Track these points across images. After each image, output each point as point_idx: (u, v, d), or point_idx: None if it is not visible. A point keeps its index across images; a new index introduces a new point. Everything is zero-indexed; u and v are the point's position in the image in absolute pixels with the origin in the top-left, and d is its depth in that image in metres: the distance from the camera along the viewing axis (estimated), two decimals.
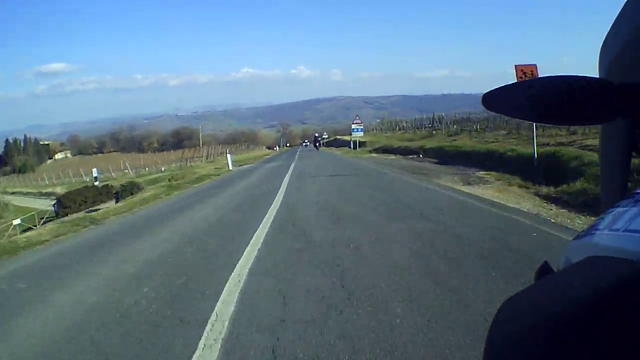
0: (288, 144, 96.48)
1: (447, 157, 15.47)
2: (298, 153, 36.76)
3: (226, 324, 2.88)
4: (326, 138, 63.50)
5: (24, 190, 55.12)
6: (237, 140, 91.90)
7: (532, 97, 0.48)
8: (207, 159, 46.78)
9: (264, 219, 6.58)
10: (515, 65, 9.13)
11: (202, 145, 47.45)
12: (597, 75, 0.59)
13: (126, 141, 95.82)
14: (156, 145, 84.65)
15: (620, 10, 0.53)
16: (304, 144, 70.12)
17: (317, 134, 56.91)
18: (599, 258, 0.41)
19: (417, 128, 36.29)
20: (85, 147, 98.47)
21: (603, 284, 0.35)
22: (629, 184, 0.56)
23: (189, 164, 37.96)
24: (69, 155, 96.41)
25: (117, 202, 17.36)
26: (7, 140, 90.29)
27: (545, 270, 0.54)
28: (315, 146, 46.32)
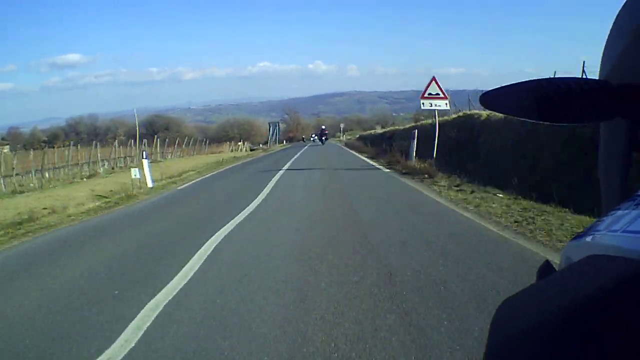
0: (287, 140, 78.44)
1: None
2: (291, 163, 20.81)
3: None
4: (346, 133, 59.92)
5: None
6: (229, 133, 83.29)
7: (532, 97, 0.48)
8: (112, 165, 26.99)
9: None
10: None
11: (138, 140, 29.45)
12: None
13: (87, 133, 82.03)
14: (122, 137, 75.54)
15: (619, 10, 0.53)
16: (313, 138, 59.43)
17: (323, 127, 52.67)
18: (599, 257, 0.41)
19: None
20: (32, 141, 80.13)
21: (604, 283, 0.35)
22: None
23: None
24: (6, 150, 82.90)
25: None
26: None
27: (546, 269, 0.53)
28: (321, 140, 44.57)
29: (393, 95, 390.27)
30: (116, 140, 39.96)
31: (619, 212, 0.47)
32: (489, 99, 0.52)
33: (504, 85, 0.51)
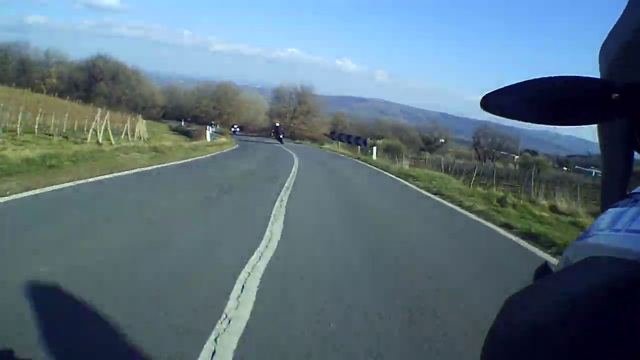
0: (235, 128, 55.44)
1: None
2: None
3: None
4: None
5: None
6: (202, 105, 69.30)
7: (532, 98, 0.48)
8: None
9: None
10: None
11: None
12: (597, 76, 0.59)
13: (15, 72, 62.81)
14: (54, 82, 61.60)
15: (623, 10, 0.53)
16: (233, 130, 51.85)
17: (277, 124, 45.44)
18: (598, 258, 0.41)
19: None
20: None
21: (603, 284, 0.36)
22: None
23: None
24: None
25: None
26: None
27: (544, 270, 0.55)
28: (279, 139, 39.98)
29: (415, 112, 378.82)
30: None
31: (618, 210, 0.47)
32: (489, 101, 0.50)
33: (503, 86, 0.49)
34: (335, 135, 44.42)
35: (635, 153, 0.53)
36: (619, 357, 0.30)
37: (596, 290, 0.35)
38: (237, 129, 52.91)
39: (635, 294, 0.32)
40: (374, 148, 33.14)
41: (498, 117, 0.51)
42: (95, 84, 64.35)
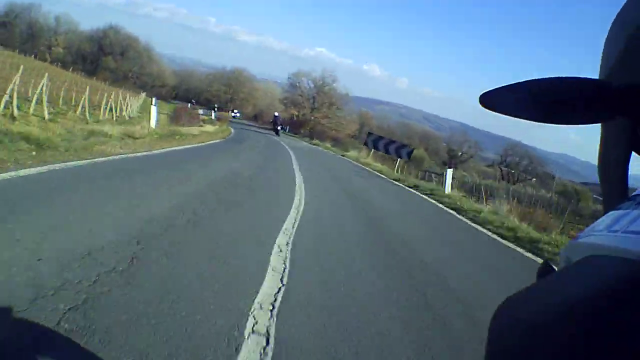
0: (235, 113, 54.62)
1: None
2: None
3: None
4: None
5: None
6: (213, 89, 64.05)
7: (531, 97, 0.48)
8: None
9: None
10: None
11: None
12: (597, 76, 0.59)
13: (22, 37, 58.25)
14: (60, 51, 57.04)
15: (620, 10, 0.53)
16: (234, 115, 50.57)
17: (276, 114, 40.99)
18: (599, 257, 0.41)
19: None
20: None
21: (603, 283, 0.36)
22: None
23: None
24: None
25: None
26: None
27: (546, 269, 0.55)
28: (276, 130, 36.96)
29: (437, 120, 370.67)
30: None
31: (619, 212, 0.47)
32: (488, 99, 0.50)
33: (503, 85, 0.49)
34: (372, 139, 28.79)
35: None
36: (619, 356, 0.30)
37: (596, 289, 0.35)
38: (237, 114, 51.02)
39: (635, 293, 0.32)
40: (449, 174, 16.34)
41: (499, 114, 0.52)
42: (103, 57, 60.05)
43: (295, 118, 52.80)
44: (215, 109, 46.74)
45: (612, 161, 0.56)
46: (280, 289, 3.45)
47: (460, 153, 62.47)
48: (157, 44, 72.94)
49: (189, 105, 46.94)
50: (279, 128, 36.77)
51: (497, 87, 0.49)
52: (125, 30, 64.35)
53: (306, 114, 52.00)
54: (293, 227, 5.62)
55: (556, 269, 0.54)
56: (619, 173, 0.54)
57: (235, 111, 53.10)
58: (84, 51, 60.44)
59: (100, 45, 60.64)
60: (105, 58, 59.82)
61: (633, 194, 0.51)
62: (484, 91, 0.50)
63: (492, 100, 0.50)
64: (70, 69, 50.53)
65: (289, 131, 47.21)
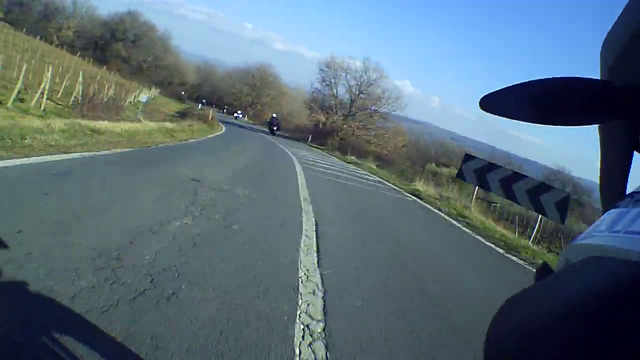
0: (238, 114, 50.57)
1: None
2: None
3: None
4: None
5: None
6: (237, 92, 57.25)
7: (532, 99, 0.48)
8: None
9: None
10: None
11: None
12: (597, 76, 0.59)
13: (36, 17, 52.98)
14: (70, 34, 51.25)
15: (621, 11, 0.53)
16: (236, 116, 47.88)
17: (274, 115, 38.62)
18: (598, 258, 0.41)
19: None
20: None
21: (603, 285, 0.36)
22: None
23: None
24: None
25: None
26: None
27: (544, 270, 0.54)
28: (272, 131, 34.72)
29: (465, 141, 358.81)
30: None
31: (619, 211, 0.47)
32: (488, 101, 0.50)
33: (503, 87, 0.49)
34: (475, 168, 12.70)
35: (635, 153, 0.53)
36: (620, 356, 0.30)
37: (597, 290, 0.35)
38: (240, 115, 48.99)
39: (635, 294, 0.32)
40: None
41: (500, 117, 0.52)
42: (114, 43, 54.01)
43: (321, 125, 41.01)
44: (225, 110, 47.03)
45: (612, 162, 0.56)
46: None
47: None
48: (187, 43, 67.29)
49: (199, 106, 40.91)
50: (274, 129, 35.33)
51: (496, 89, 0.48)
52: (145, 18, 58.36)
53: (337, 121, 40.77)
54: None
55: (553, 270, 0.53)
56: (618, 173, 0.53)
57: (239, 112, 50.07)
58: (95, 36, 54.61)
59: (112, 30, 54.59)
60: (115, 44, 53.72)
61: (632, 191, 0.50)
62: (484, 94, 0.49)
63: (492, 103, 0.49)
64: (78, 54, 45.14)
65: (310, 141, 37.69)
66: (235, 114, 49.40)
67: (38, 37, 46.75)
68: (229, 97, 59.93)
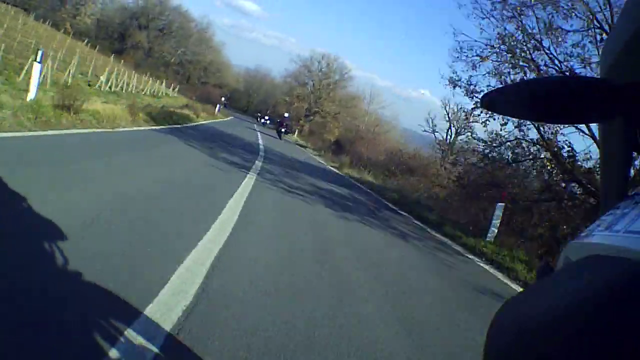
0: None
1: None
2: None
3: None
4: None
5: None
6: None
7: (532, 97, 0.48)
8: None
9: None
10: None
11: None
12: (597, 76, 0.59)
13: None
14: (87, 21, 39.89)
15: (621, 10, 0.53)
16: (263, 121, 42.10)
17: (286, 114, 33.12)
18: (598, 257, 0.41)
19: None
20: None
21: (603, 284, 0.36)
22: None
23: None
24: None
25: None
26: None
27: (545, 269, 0.55)
28: (279, 133, 30.28)
29: None
30: None
31: (619, 211, 0.46)
32: (488, 100, 0.49)
33: (503, 85, 0.55)
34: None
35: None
36: (620, 356, 0.30)
37: (597, 289, 0.35)
38: (267, 121, 41.78)
39: (635, 293, 0.32)
40: None
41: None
42: (137, 32, 42.01)
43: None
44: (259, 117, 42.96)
45: (612, 161, 0.55)
46: None
47: None
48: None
49: (223, 99, 38.06)
50: (283, 130, 31.96)
51: (495, 88, 0.46)
52: (178, 3, 46.06)
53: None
54: None
55: (554, 269, 0.53)
56: (619, 173, 0.53)
57: (266, 117, 41.61)
58: (115, 23, 42.86)
59: (133, 16, 42.55)
60: (137, 33, 41.55)
61: (632, 192, 0.50)
62: (484, 92, 0.48)
63: (493, 101, 0.48)
64: (85, 42, 34.25)
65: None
66: (262, 120, 41.98)
67: (47, 23, 36.55)
68: (281, 107, 46.30)
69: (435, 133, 31.88)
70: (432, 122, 31.75)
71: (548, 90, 0.46)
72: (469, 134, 15.01)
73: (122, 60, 32.88)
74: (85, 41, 35.36)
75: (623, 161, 0.53)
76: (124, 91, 20.18)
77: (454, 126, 31.02)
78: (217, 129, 20.22)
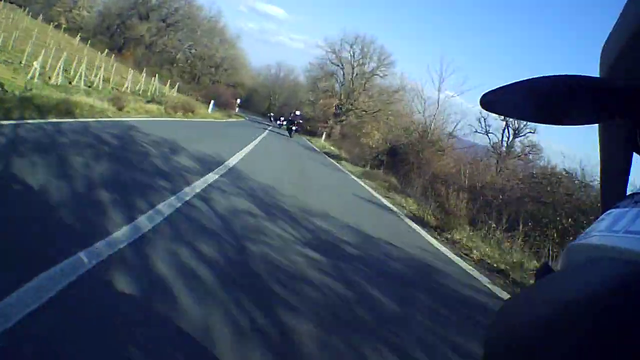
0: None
1: None
2: None
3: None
4: None
5: None
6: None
7: (532, 97, 0.47)
8: None
9: None
10: None
11: None
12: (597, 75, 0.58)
13: None
14: (85, 15, 34.97)
15: (622, 10, 0.53)
16: (279, 123, 37.60)
17: (297, 112, 29.81)
18: (598, 259, 0.41)
19: None
20: None
21: (602, 284, 0.36)
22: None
23: None
24: None
25: None
26: None
27: (545, 270, 0.53)
28: (290, 130, 27.58)
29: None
30: None
31: (619, 211, 0.46)
32: (488, 100, 0.48)
33: (503, 85, 0.47)
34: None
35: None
36: (621, 356, 0.30)
37: (596, 290, 0.35)
38: (283, 123, 37.52)
39: (635, 293, 0.32)
40: None
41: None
42: (137, 24, 36.47)
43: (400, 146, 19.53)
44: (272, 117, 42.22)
45: (612, 162, 0.55)
46: None
47: None
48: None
49: (238, 101, 36.49)
50: (293, 128, 27.94)
51: (495, 88, 0.47)
52: None
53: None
54: None
55: (553, 270, 0.52)
56: (618, 173, 0.53)
57: (282, 118, 37.01)
58: (113, 16, 37.38)
59: (135, 7, 36.84)
60: (137, 25, 35.85)
61: (631, 192, 0.49)
62: (484, 92, 0.47)
63: (492, 101, 0.47)
64: (77, 37, 29.37)
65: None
66: (278, 122, 38.73)
67: (41, 18, 31.90)
68: (306, 109, 39.98)
69: (489, 134, 24.89)
70: (484, 122, 24.68)
71: (547, 90, 0.44)
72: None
73: (113, 56, 27.45)
74: (78, 37, 30.45)
75: (623, 162, 0.52)
76: (100, 87, 15.53)
77: (510, 126, 23.98)
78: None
